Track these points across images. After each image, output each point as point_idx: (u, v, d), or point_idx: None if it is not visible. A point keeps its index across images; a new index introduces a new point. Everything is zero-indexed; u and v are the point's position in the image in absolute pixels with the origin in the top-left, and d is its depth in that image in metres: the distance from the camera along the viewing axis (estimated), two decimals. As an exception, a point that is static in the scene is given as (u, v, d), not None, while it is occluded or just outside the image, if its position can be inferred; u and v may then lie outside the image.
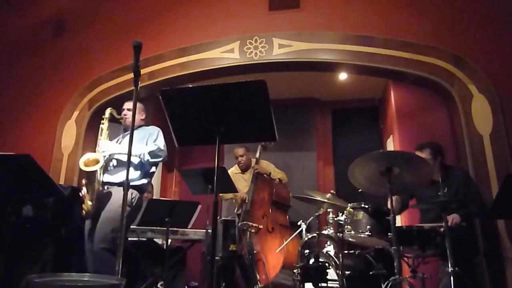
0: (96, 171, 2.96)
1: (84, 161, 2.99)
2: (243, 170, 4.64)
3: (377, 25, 4.06)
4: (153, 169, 3.26)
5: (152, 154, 3.10)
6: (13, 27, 5.24)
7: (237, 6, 4.51)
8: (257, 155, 4.41)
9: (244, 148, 4.60)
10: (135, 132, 3.16)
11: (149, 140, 3.23)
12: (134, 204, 3.06)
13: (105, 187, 3.05)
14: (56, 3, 5.20)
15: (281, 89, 5.47)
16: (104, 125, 3.22)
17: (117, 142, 3.30)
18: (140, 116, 3.40)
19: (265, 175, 4.34)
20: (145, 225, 3.48)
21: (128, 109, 3.34)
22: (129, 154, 2.01)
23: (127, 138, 3.10)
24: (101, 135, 3.20)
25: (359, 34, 4.05)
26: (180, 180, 6.06)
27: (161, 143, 3.19)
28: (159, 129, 3.32)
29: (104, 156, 3.07)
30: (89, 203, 2.94)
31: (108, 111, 3.26)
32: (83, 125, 4.56)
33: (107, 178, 3.09)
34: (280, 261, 3.70)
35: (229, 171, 4.62)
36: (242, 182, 4.56)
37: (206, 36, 4.44)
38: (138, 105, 3.33)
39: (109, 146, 3.13)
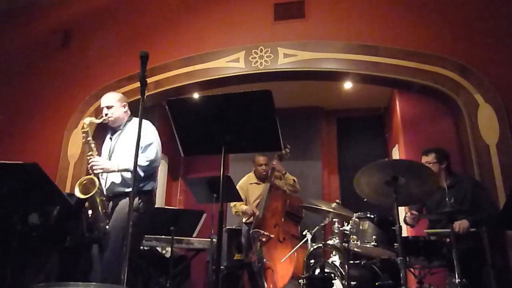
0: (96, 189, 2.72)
1: (79, 188, 2.72)
2: (262, 179, 4.40)
3: (382, 35, 4.07)
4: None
5: (144, 169, 2.78)
6: (21, 36, 5.32)
7: (242, 16, 4.56)
8: (274, 162, 4.33)
9: (267, 157, 4.42)
10: (125, 135, 2.92)
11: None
12: (141, 209, 2.82)
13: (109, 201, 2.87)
14: (63, 13, 5.28)
15: (286, 98, 5.48)
16: (89, 138, 2.86)
17: (109, 147, 2.99)
18: (122, 109, 3.00)
19: (280, 173, 4.34)
20: (149, 233, 3.48)
21: (107, 107, 2.94)
22: (135, 164, 1.96)
23: (120, 140, 2.91)
24: (89, 151, 2.84)
25: (364, 43, 4.06)
26: (185, 188, 6.06)
27: (151, 154, 2.81)
28: (149, 130, 2.89)
29: (100, 175, 2.82)
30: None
31: (86, 122, 2.84)
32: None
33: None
34: (289, 272, 3.68)
35: (243, 181, 4.50)
36: (257, 191, 4.37)
37: (212, 45, 4.48)
38: (116, 96, 3.01)
39: (102, 163, 2.81)
